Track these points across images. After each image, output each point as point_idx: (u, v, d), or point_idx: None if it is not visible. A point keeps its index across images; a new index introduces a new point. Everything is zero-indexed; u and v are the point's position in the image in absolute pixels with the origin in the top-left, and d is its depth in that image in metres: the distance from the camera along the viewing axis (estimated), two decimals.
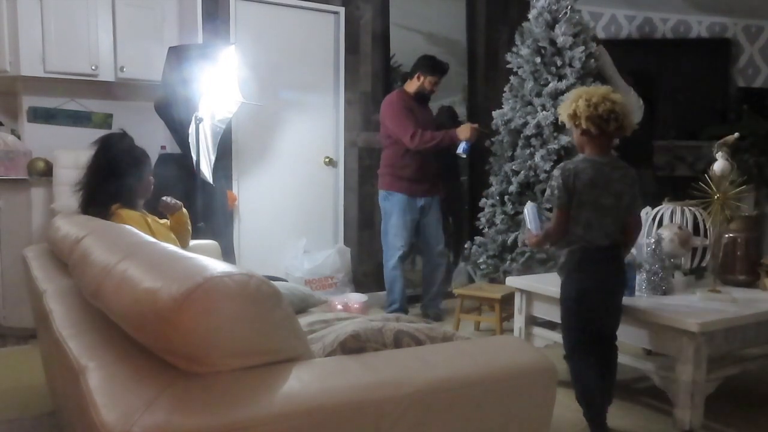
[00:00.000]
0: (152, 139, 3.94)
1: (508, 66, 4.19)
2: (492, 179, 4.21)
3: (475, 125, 3.94)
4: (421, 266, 4.40)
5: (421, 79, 3.98)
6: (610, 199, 2.28)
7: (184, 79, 3.38)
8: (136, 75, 3.89)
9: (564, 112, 2.36)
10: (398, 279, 4.04)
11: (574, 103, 2.32)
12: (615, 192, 2.28)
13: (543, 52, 3.98)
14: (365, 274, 4.61)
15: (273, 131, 4.36)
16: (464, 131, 3.87)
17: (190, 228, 2.86)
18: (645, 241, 2.74)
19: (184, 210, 2.83)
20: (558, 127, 3.89)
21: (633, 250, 2.70)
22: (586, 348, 2.32)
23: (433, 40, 4.92)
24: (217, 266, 1.02)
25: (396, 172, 4.01)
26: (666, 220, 2.92)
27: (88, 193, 2.46)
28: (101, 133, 3.86)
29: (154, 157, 3.78)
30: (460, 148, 3.87)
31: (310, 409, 0.97)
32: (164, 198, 2.75)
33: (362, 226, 4.67)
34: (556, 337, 2.89)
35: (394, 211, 4.03)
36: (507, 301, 3.54)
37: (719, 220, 2.81)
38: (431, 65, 3.99)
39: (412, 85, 4.03)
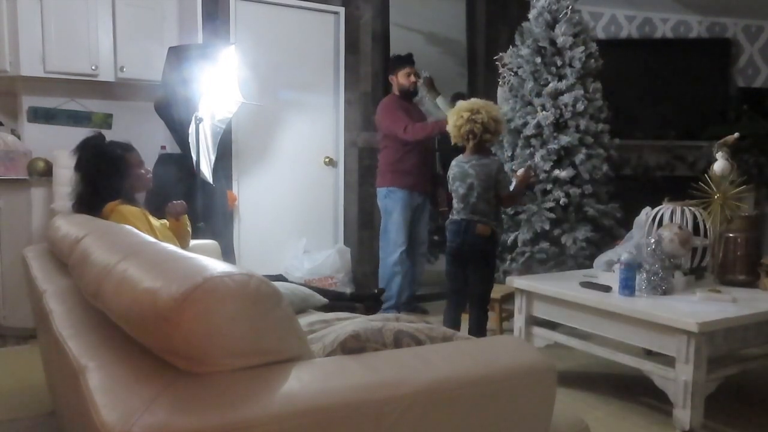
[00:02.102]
0: (152, 139, 3.95)
1: (508, 66, 4.18)
2: None
3: None
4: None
5: (395, 79, 4.12)
6: (463, 189, 3.01)
7: (184, 79, 3.38)
8: (136, 75, 3.90)
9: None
10: (398, 275, 4.07)
11: (449, 119, 3.07)
12: (468, 183, 2.99)
13: (543, 52, 3.98)
14: (365, 274, 4.61)
15: (273, 131, 4.37)
16: None
17: (190, 230, 2.86)
18: (645, 241, 2.74)
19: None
20: (558, 127, 3.89)
21: (633, 250, 2.71)
22: (449, 294, 3.20)
23: (433, 40, 4.92)
24: (217, 266, 1.02)
25: (397, 168, 4.05)
26: (666, 220, 2.92)
27: (78, 198, 2.48)
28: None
29: (154, 157, 3.80)
30: None
31: (310, 409, 0.97)
32: (171, 203, 2.76)
33: (362, 226, 4.67)
34: (557, 337, 2.89)
35: (395, 209, 4.07)
36: (506, 300, 3.53)
37: (719, 220, 2.81)
38: (395, 62, 4.17)
39: (394, 88, 4.16)
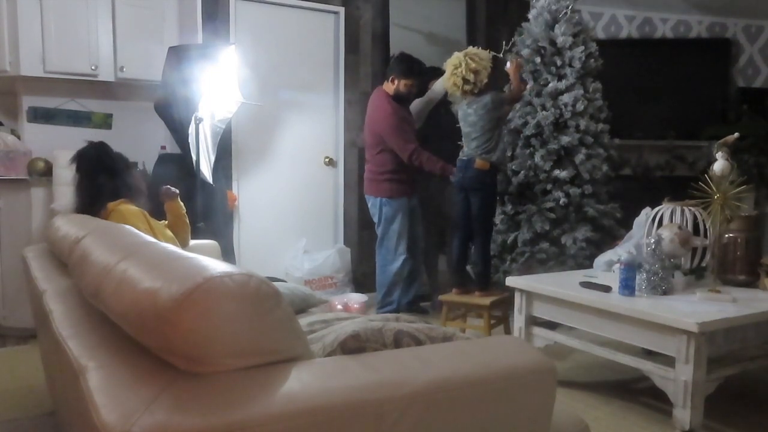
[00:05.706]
0: (152, 139, 3.94)
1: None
2: None
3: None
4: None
5: (396, 82, 3.93)
6: (466, 127, 3.59)
7: (184, 79, 3.38)
8: (136, 75, 3.89)
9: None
10: (400, 282, 4.03)
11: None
12: (469, 122, 3.54)
13: (543, 52, 3.98)
14: (365, 274, 4.61)
15: (273, 131, 4.36)
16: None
17: (188, 221, 2.87)
18: (645, 241, 2.74)
19: (180, 202, 2.84)
20: (558, 127, 3.89)
21: (632, 250, 2.71)
22: (456, 228, 3.70)
23: (433, 40, 4.92)
24: (217, 266, 1.02)
25: (394, 177, 3.97)
26: (666, 220, 2.92)
27: (80, 200, 2.54)
28: (101, 133, 3.90)
29: (154, 157, 3.80)
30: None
31: (310, 409, 0.97)
32: (164, 187, 2.83)
33: (362, 226, 4.66)
34: (557, 337, 2.90)
35: (396, 217, 3.99)
36: (495, 307, 3.46)
37: (719, 220, 2.80)
38: (405, 69, 3.93)
39: (388, 88, 3.97)
